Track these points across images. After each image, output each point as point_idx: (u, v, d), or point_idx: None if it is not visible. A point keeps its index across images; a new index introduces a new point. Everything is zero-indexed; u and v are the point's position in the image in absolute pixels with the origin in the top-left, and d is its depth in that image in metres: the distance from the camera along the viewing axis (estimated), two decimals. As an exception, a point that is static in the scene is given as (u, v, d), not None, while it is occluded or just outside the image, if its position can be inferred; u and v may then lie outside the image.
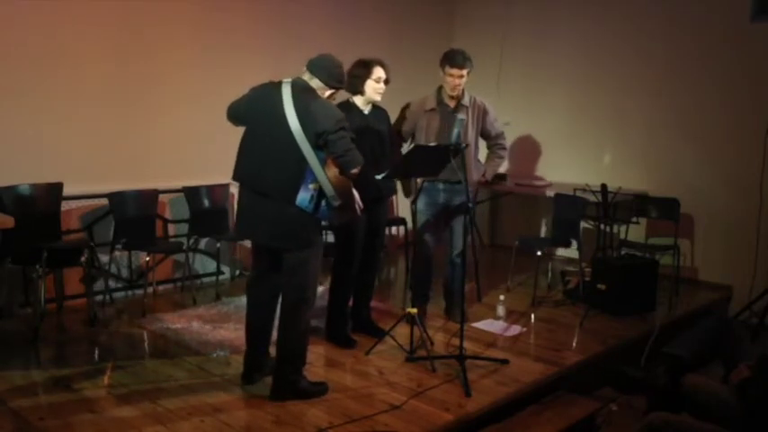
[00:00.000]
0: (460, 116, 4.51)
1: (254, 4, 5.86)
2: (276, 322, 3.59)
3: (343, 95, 4.18)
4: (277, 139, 3.25)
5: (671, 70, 6.14)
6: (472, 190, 4.69)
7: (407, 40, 6.82)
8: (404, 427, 3.24)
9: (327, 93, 3.41)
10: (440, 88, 4.60)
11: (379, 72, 4.06)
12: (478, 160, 4.76)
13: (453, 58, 4.44)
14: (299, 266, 3.38)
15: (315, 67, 3.38)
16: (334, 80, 3.39)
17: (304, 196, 3.24)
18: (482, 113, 4.63)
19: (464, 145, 4.17)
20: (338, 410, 3.38)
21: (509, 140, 7.14)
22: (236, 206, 3.65)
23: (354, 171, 3.29)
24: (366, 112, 4.17)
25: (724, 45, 5.83)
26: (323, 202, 3.28)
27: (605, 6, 6.53)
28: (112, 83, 5.10)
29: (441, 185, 4.56)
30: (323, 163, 3.25)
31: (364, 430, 3.20)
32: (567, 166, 6.78)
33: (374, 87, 4.07)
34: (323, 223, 3.47)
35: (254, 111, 3.37)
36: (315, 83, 3.36)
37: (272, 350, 3.65)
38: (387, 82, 4.10)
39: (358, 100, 4.15)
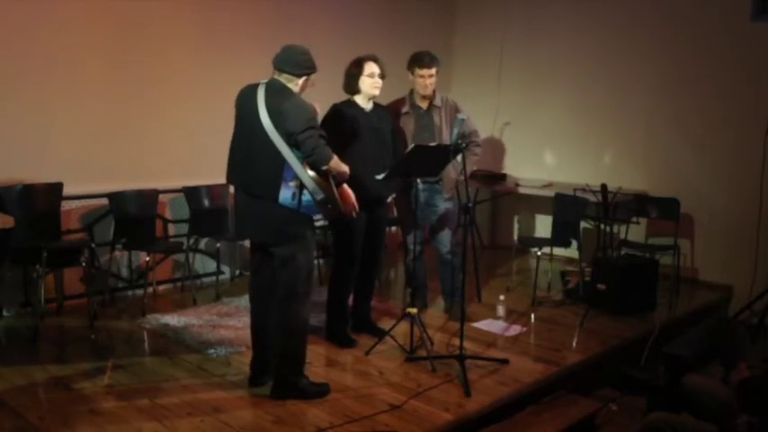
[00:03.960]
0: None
1: (255, 4, 5.86)
2: None
3: (344, 95, 4.20)
4: (256, 140, 3.33)
5: (671, 70, 6.13)
6: (453, 188, 4.73)
7: (408, 40, 6.79)
8: (404, 427, 3.24)
9: (301, 81, 3.42)
10: (411, 92, 4.65)
11: (371, 68, 4.07)
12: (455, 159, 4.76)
13: (421, 59, 4.52)
14: (287, 261, 3.42)
15: (280, 62, 3.41)
16: (301, 67, 3.40)
17: (286, 194, 3.32)
18: (454, 112, 4.65)
19: (464, 145, 4.19)
20: (338, 410, 3.38)
21: (509, 140, 7.26)
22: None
23: (324, 167, 3.33)
24: (367, 110, 4.17)
25: (724, 45, 5.83)
26: (306, 198, 3.35)
27: (605, 6, 6.52)
28: (113, 83, 5.10)
29: (420, 185, 4.57)
30: (302, 160, 3.31)
31: (364, 430, 3.20)
32: (567, 166, 6.78)
33: (369, 83, 4.09)
34: (314, 219, 3.51)
35: (238, 113, 3.47)
36: (285, 78, 3.40)
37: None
38: (382, 76, 4.11)
39: (358, 98, 4.16)
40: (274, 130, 3.26)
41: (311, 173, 3.32)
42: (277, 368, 3.53)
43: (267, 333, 3.61)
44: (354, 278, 4.28)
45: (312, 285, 3.60)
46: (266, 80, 3.42)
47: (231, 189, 5.57)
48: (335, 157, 3.38)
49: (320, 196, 3.33)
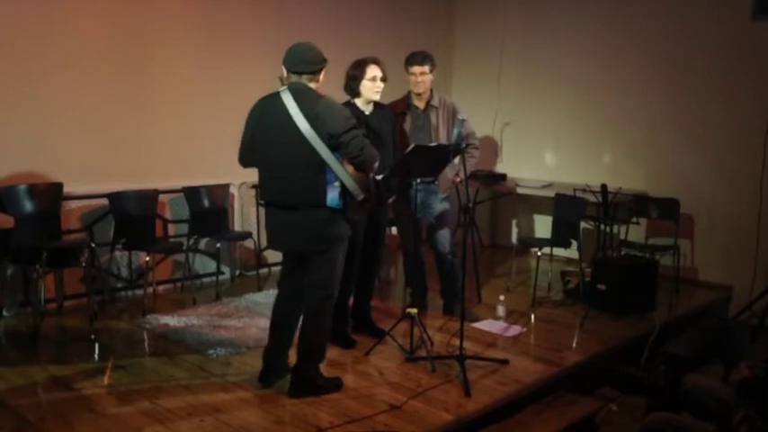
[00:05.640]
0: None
1: (255, 4, 5.86)
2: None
3: (344, 97, 4.19)
4: (293, 149, 3.28)
5: (671, 69, 6.13)
6: (449, 189, 4.73)
7: (408, 41, 6.79)
8: (404, 427, 3.24)
9: (321, 77, 3.42)
10: (409, 92, 4.66)
11: (373, 71, 4.04)
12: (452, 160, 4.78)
13: (414, 57, 4.56)
14: (326, 264, 3.45)
15: (295, 64, 3.36)
16: (315, 63, 3.38)
17: (333, 195, 3.32)
18: (452, 113, 4.66)
19: (464, 145, 4.19)
20: (338, 410, 3.38)
21: (509, 140, 7.26)
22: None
23: (375, 166, 3.38)
24: (367, 112, 4.16)
25: (724, 44, 5.83)
26: (348, 198, 3.36)
27: (605, 6, 6.52)
28: (113, 83, 5.10)
29: (417, 186, 4.57)
30: (341, 161, 3.31)
31: (364, 430, 3.20)
32: (567, 166, 6.78)
33: (370, 87, 4.05)
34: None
35: (261, 130, 3.40)
36: (306, 78, 3.37)
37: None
38: (383, 80, 4.08)
39: (358, 101, 4.14)
40: (315, 134, 3.24)
41: (350, 171, 3.32)
42: (297, 366, 3.54)
43: (284, 333, 3.62)
44: (355, 278, 4.28)
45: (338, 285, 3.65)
46: (283, 88, 3.36)
47: (232, 189, 5.65)
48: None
49: (361, 196, 3.35)
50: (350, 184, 3.30)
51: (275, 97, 3.35)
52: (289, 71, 3.37)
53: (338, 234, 3.43)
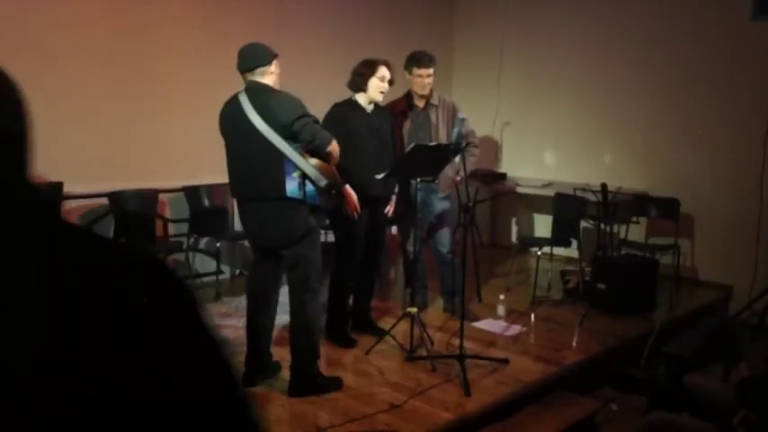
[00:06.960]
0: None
1: (255, 3, 5.86)
2: (277, 321, 3.68)
3: (346, 93, 4.20)
4: (251, 144, 3.36)
5: (671, 70, 6.13)
6: (449, 187, 4.74)
7: (408, 41, 6.79)
8: (404, 426, 3.24)
9: (274, 68, 3.46)
10: (408, 92, 4.65)
11: (383, 71, 4.06)
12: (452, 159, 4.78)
13: (420, 59, 4.52)
14: (300, 260, 3.46)
15: (247, 62, 3.42)
16: (265, 55, 3.44)
17: (292, 186, 3.36)
18: (452, 112, 4.66)
19: (464, 144, 4.20)
20: (338, 410, 3.38)
21: (509, 140, 7.26)
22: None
23: (328, 149, 3.38)
24: (368, 111, 4.17)
25: (724, 45, 5.83)
26: (309, 189, 3.40)
27: (605, 6, 6.53)
28: (113, 82, 5.10)
29: (417, 185, 4.57)
30: (299, 150, 3.36)
31: (364, 430, 3.21)
32: (567, 166, 6.78)
33: (377, 86, 4.06)
34: (319, 208, 3.57)
35: (226, 128, 3.52)
36: (259, 73, 3.42)
37: (273, 350, 3.68)
38: (391, 83, 4.10)
39: (360, 98, 4.15)
40: (269, 128, 3.30)
41: (312, 161, 3.37)
42: (294, 365, 3.54)
43: (263, 334, 3.63)
44: (355, 277, 4.28)
45: (319, 277, 3.64)
46: (242, 88, 3.45)
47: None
48: (334, 139, 3.44)
49: (323, 182, 3.38)
50: (310, 171, 3.34)
51: (234, 99, 3.44)
52: (244, 72, 3.45)
53: (305, 228, 3.45)
